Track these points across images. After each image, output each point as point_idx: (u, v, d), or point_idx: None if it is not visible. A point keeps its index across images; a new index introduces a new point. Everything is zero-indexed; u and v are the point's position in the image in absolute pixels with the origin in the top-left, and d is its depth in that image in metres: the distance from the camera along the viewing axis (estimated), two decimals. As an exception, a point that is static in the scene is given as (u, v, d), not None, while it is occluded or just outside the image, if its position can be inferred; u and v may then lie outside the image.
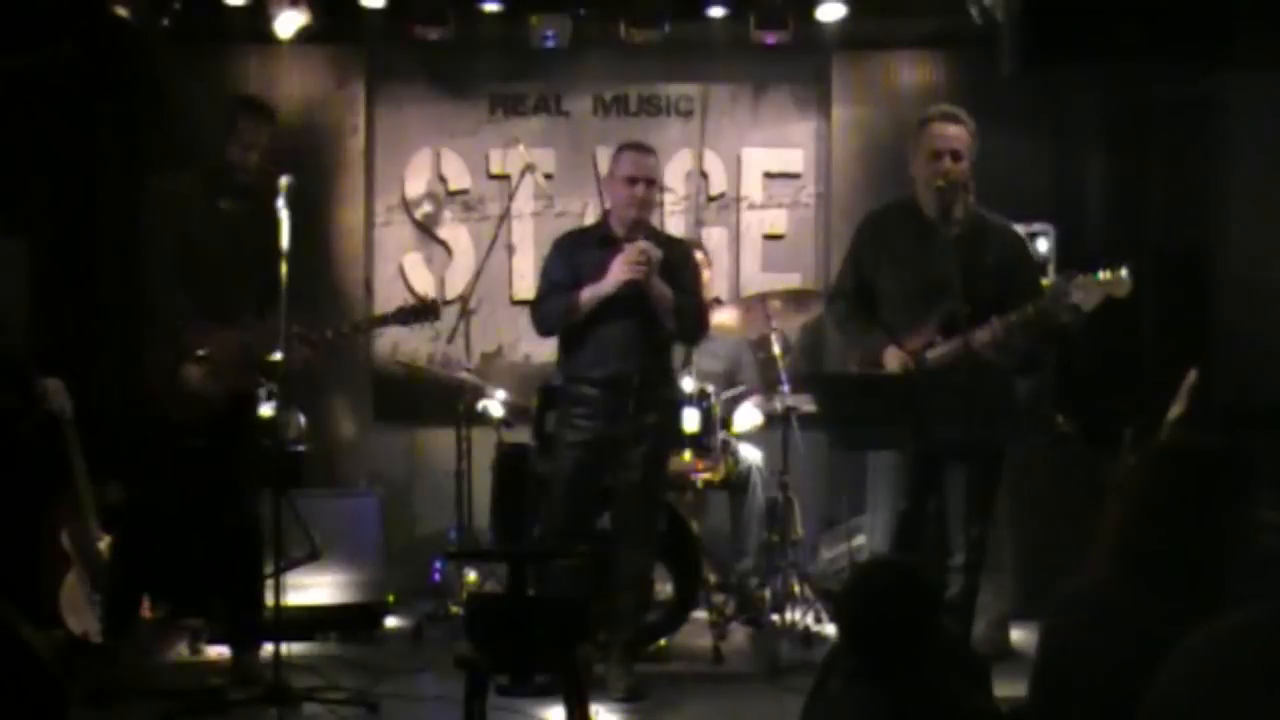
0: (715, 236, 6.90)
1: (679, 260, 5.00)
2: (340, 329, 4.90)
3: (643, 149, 4.98)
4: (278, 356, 4.71)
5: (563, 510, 4.93)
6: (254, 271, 4.78)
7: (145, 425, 4.86)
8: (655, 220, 6.76)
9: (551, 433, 5.10)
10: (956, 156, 4.47)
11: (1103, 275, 4.32)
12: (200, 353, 4.72)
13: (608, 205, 5.08)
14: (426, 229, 6.90)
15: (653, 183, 4.95)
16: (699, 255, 6.11)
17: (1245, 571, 2.40)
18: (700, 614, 5.57)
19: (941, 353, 4.40)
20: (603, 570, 4.88)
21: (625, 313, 4.83)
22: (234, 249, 4.79)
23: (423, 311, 5.03)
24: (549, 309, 4.97)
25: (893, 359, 4.47)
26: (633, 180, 4.89)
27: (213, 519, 4.84)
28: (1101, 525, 2.47)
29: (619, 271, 4.77)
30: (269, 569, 4.70)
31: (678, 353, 5.78)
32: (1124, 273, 4.30)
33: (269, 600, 4.57)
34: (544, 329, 5.09)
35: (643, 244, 4.80)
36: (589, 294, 4.82)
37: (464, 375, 5.89)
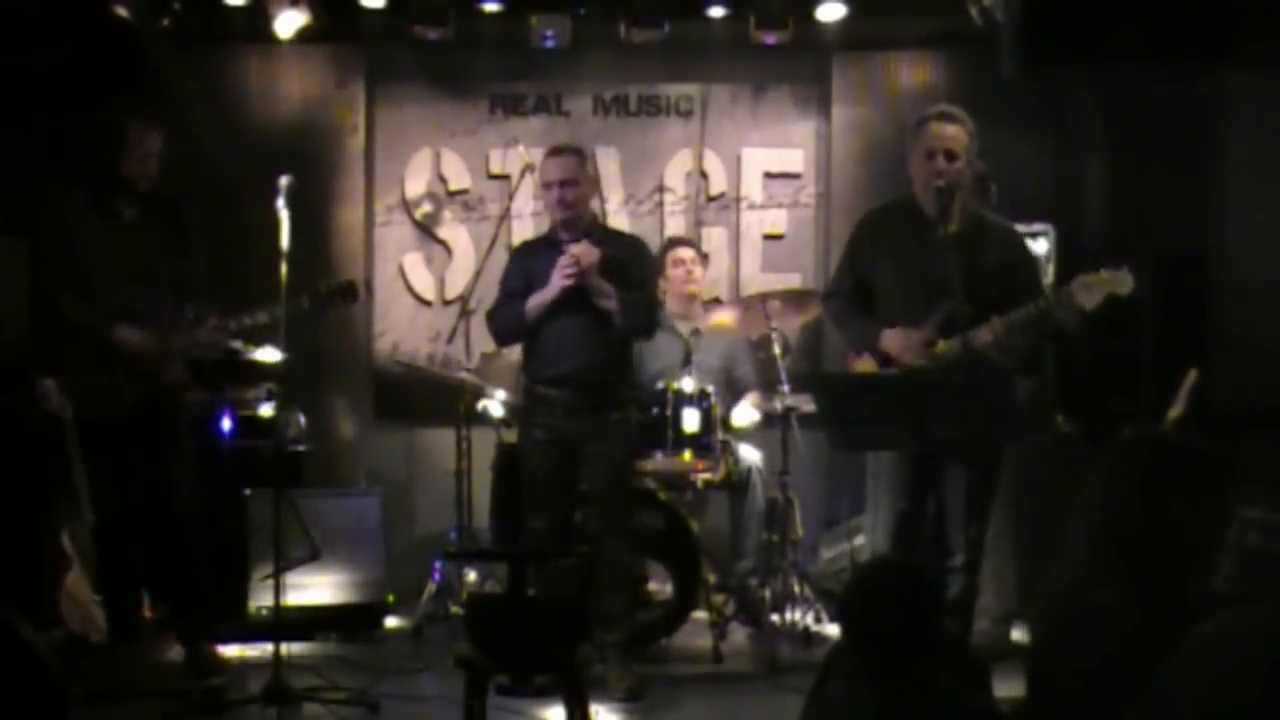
0: (715, 236, 6.90)
1: (626, 255, 5.03)
2: (256, 317, 4.84)
3: (562, 151, 5.06)
4: (275, 354, 4.77)
5: (538, 510, 4.96)
6: (163, 273, 4.87)
7: (79, 428, 4.90)
8: (655, 220, 6.83)
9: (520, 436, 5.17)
10: (951, 156, 4.47)
11: (1104, 274, 4.33)
12: (124, 347, 4.77)
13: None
14: (426, 229, 6.91)
15: (570, 183, 4.97)
16: (689, 253, 6.16)
17: (1242, 570, 2.41)
18: (700, 614, 5.56)
19: (940, 352, 4.40)
20: (589, 571, 4.89)
21: (576, 312, 4.90)
22: (139, 254, 4.86)
23: (340, 293, 5.04)
24: (501, 320, 5.11)
25: (889, 339, 4.46)
26: (548, 185, 4.98)
27: (149, 514, 4.88)
28: (1073, 520, 2.48)
29: (556, 278, 4.88)
30: (267, 570, 4.71)
31: (678, 352, 5.79)
32: (1125, 270, 4.32)
33: (264, 600, 4.57)
34: (499, 339, 5.28)
35: (576, 248, 4.88)
36: (534, 301, 4.94)
37: (464, 375, 5.89)
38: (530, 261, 5.07)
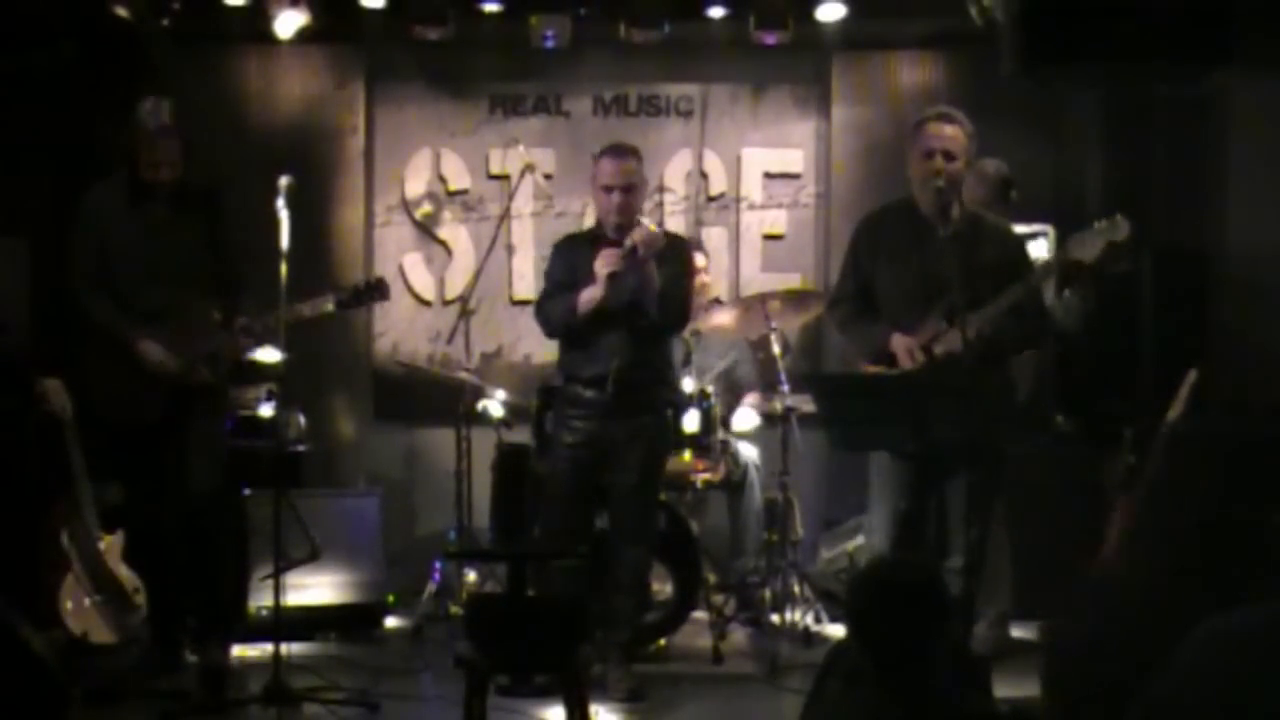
0: (715, 236, 6.90)
1: (669, 253, 4.95)
2: (283, 317, 4.74)
3: (621, 153, 4.92)
4: (275, 354, 4.78)
5: (559, 510, 4.93)
6: (196, 271, 4.86)
7: (99, 430, 4.91)
8: (655, 220, 6.81)
9: (549, 432, 5.11)
10: (949, 156, 4.47)
11: (1099, 225, 4.36)
12: (145, 359, 4.76)
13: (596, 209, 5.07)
14: (426, 229, 6.91)
15: (631, 188, 4.88)
16: (699, 260, 6.12)
17: (1260, 570, 2.39)
18: (700, 614, 5.56)
19: (945, 347, 4.40)
20: (600, 571, 4.88)
21: (619, 314, 4.83)
22: (171, 253, 4.84)
23: (366, 293, 5.02)
24: (552, 310, 4.98)
25: (899, 345, 4.47)
26: (609, 189, 4.88)
27: (169, 515, 4.89)
28: (1115, 514, 2.46)
29: (600, 269, 4.76)
30: (267, 570, 4.71)
31: (678, 353, 5.79)
32: (1118, 217, 4.33)
33: (264, 600, 4.58)
34: (549, 330, 5.11)
35: (637, 234, 4.76)
36: (585, 297, 4.83)
37: (464, 375, 5.89)
38: (575, 256, 4.96)
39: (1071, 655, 2.43)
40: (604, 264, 4.75)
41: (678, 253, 5.05)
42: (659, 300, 4.84)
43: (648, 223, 4.85)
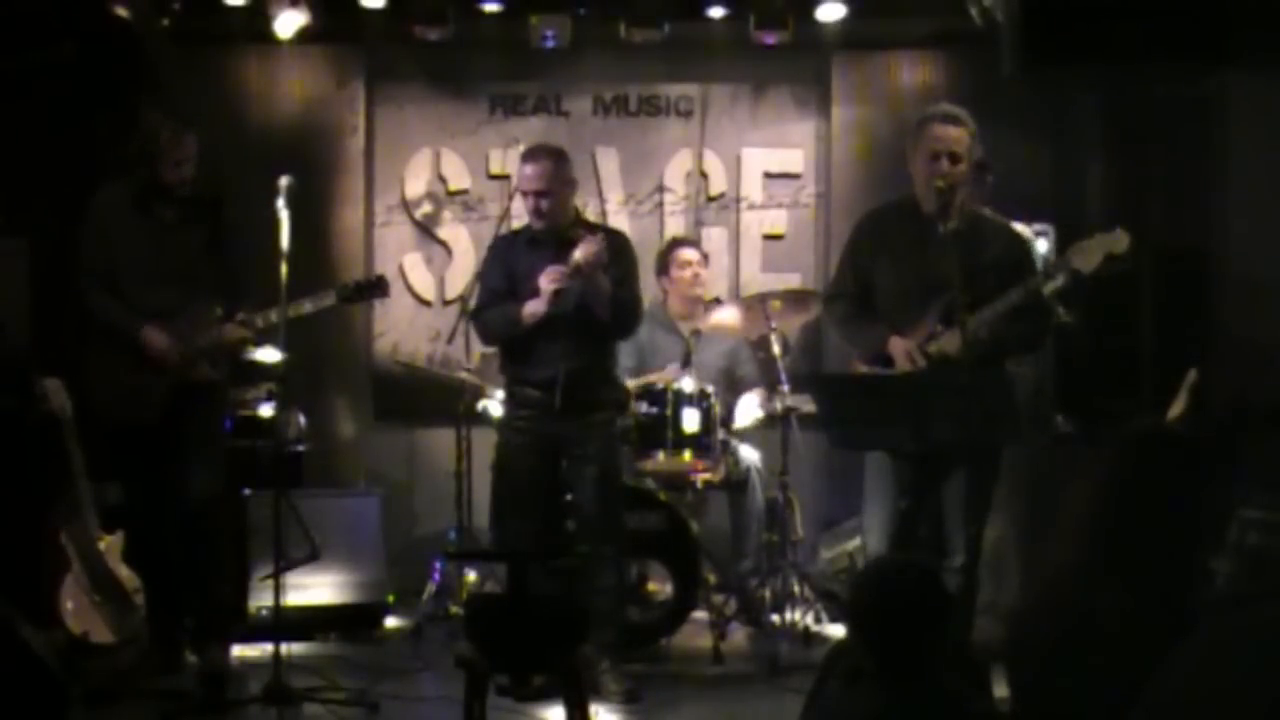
0: (715, 236, 6.90)
1: (612, 253, 4.89)
2: (283, 316, 4.73)
3: (535, 157, 4.90)
4: (275, 354, 4.79)
5: (522, 513, 4.94)
6: (201, 275, 4.88)
7: (99, 430, 4.91)
8: (655, 220, 6.84)
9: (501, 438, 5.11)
10: (955, 159, 4.46)
11: (1099, 237, 4.36)
12: (148, 348, 4.77)
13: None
14: (426, 229, 6.91)
15: (547, 193, 4.85)
16: (695, 254, 6.14)
17: (1243, 570, 2.39)
18: (700, 614, 5.57)
19: (941, 346, 4.40)
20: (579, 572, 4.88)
21: (566, 320, 4.82)
22: (176, 256, 4.87)
23: (368, 288, 5.04)
24: (491, 320, 5.01)
25: (897, 347, 4.47)
26: (523, 194, 4.90)
27: (168, 516, 4.90)
28: (1061, 519, 2.47)
29: (544, 285, 4.76)
30: (267, 570, 4.72)
31: (679, 352, 5.79)
32: (1118, 231, 4.34)
33: (264, 600, 4.57)
34: (487, 340, 5.17)
35: (580, 253, 4.70)
36: (529, 310, 4.83)
37: (464, 375, 5.89)
38: (510, 257, 4.99)
39: (1038, 663, 2.44)
40: (549, 280, 4.75)
41: (620, 252, 4.99)
42: (614, 307, 4.83)
43: (591, 244, 4.72)
